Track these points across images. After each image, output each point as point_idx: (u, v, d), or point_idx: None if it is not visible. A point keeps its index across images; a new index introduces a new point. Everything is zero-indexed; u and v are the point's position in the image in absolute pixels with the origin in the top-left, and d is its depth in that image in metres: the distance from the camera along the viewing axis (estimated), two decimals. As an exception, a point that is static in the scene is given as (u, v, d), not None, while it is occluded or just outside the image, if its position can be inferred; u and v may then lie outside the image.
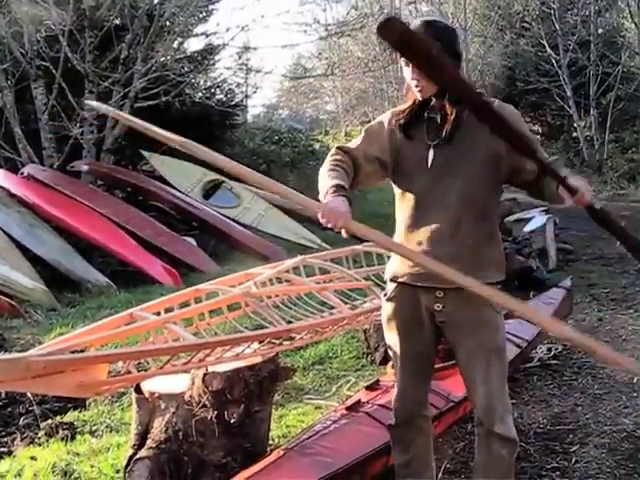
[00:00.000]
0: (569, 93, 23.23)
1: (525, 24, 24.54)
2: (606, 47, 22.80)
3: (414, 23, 3.18)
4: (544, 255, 10.07)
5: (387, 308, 3.43)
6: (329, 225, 2.95)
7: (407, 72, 3.20)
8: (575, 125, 24.38)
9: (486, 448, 3.31)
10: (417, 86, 3.18)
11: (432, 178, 3.22)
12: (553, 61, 23.09)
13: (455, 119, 3.17)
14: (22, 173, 12.18)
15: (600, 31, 23.61)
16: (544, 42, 23.04)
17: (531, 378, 5.77)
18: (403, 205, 3.34)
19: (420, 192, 3.26)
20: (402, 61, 3.20)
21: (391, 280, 3.41)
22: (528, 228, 10.71)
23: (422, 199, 3.25)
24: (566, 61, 22.73)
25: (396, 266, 3.37)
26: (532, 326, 5.83)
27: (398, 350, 3.42)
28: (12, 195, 11.26)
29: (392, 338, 3.45)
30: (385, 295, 3.45)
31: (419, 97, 3.23)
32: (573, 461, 4.37)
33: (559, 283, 7.18)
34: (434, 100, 3.22)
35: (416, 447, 3.53)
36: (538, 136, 27.82)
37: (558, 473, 4.23)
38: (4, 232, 10.13)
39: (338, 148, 3.42)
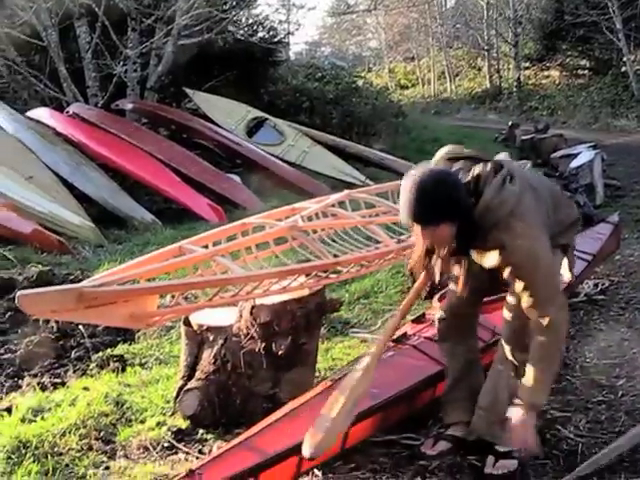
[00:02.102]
0: (619, 26, 22.65)
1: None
2: (658, -23, 22.16)
3: (406, 188, 3.13)
4: (591, 190, 9.96)
5: None
6: None
7: (417, 232, 3.17)
8: (624, 59, 23.81)
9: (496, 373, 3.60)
10: (432, 246, 3.27)
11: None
12: (603, -7, 22.52)
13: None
14: (67, 112, 12.26)
15: (652, -39, 22.92)
16: (593, -27, 22.48)
17: (578, 313, 5.74)
18: None
19: None
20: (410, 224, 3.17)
21: None
22: (575, 163, 10.58)
23: None
24: (616, -8, 22.16)
25: None
26: (579, 261, 5.80)
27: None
28: (58, 134, 11.36)
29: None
30: None
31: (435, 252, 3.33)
32: (619, 395, 4.36)
33: (606, 218, 7.10)
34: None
35: (455, 370, 3.76)
36: (586, 71, 27.30)
37: (604, 406, 4.23)
38: (52, 170, 10.24)
39: None
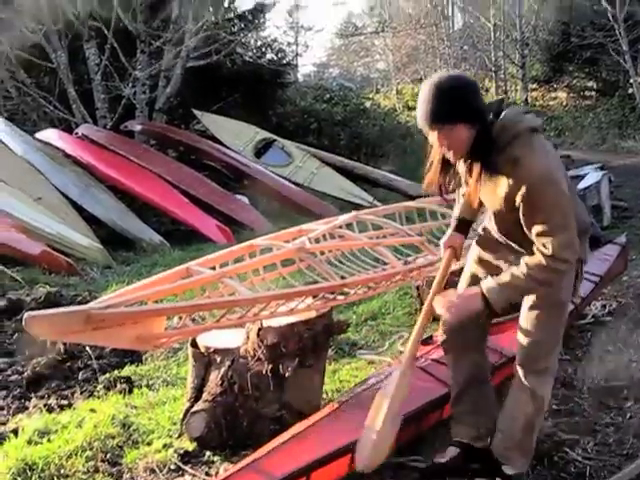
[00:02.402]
0: (625, 47, 22.68)
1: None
2: (665, 0, 22.21)
3: (425, 90, 3.14)
4: (599, 212, 9.94)
5: (473, 246, 3.69)
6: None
7: (432, 137, 3.18)
8: (631, 81, 23.82)
9: (515, 397, 3.45)
10: (449, 151, 3.20)
11: (492, 202, 3.38)
12: (609, 15, 22.51)
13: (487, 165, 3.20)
14: (76, 133, 12.35)
15: (659, -17, 22.98)
16: (600, -5, 22.53)
17: (585, 334, 5.72)
18: None
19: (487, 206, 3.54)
20: (425, 130, 3.17)
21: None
22: (582, 185, 10.56)
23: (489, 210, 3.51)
24: (622, 15, 22.14)
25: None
26: (586, 283, 5.79)
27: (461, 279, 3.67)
28: (67, 155, 11.44)
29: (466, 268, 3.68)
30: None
31: (452, 160, 3.27)
32: (627, 417, 4.34)
33: (614, 240, 7.08)
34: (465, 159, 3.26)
35: (463, 383, 3.71)
36: (593, 92, 27.36)
37: (612, 429, 4.20)
38: (61, 192, 10.29)
39: None
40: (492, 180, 3.19)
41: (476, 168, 3.20)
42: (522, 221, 3.15)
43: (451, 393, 3.81)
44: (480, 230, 3.64)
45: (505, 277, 3.19)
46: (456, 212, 3.69)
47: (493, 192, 3.22)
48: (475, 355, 3.71)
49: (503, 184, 3.12)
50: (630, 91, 24.36)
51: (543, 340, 3.34)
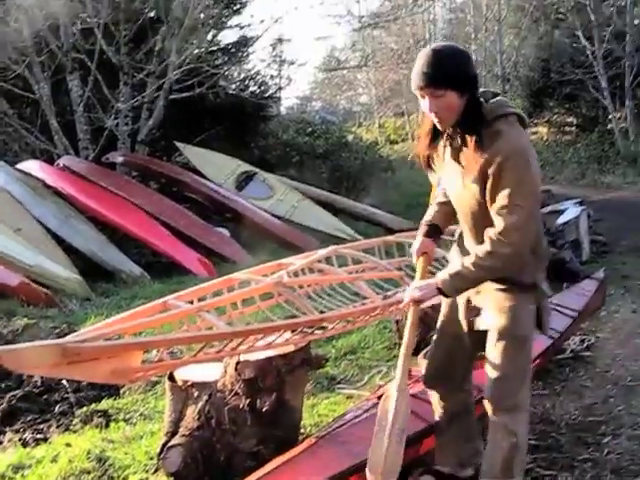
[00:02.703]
0: (604, 84, 22.96)
1: (560, 15, 24.32)
2: (642, 38, 22.51)
3: (422, 54, 3.21)
4: (577, 247, 9.99)
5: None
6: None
7: (424, 103, 3.22)
8: (610, 117, 24.09)
9: (491, 436, 3.42)
10: (437, 118, 3.23)
11: (461, 195, 3.41)
12: (588, 52, 22.83)
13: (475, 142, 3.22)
14: (58, 164, 12.34)
15: (636, 22, 23.23)
16: (579, 33, 22.79)
17: (563, 369, 5.74)
18: None
19: (454, 204, 3.56)
20: (418, 94, 3.22)
21: None
22: (562, 220, 10.62)
23: (457, 209, 3.53)
24: (601, 52, 22.45)
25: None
26: (565, 317, 5.81)
27: (437, 326, 3.70)
28: (48, 186, 11.41)
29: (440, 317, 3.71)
30: None
31: (440, 128, 3.29)
32: (605, 452, 4.34)
33: (592, 275, 7.12)
34: (451, 130, 3.28)
35: (444, 418, 3.74)
36: (573, 127, 27.61)
37: (590, 464, 4.20)
38: (40, 223, 10.26)
39: None
40: (469, 159, 3.24)
41: (458, 140, 3.27)
42: (487, 198, 3.20)
43: (436, 424, 3.81)
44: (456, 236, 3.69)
45: (455, 267, 3.28)
46: (427, 217, 3.74)
47: (468, 172, 3.26)
48: (460, 394, 3.72)
49: (479, 159, 3.17)
50: (609, 127, 24.59)
51: (508, 376, 3.34)
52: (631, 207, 15.99)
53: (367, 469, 3.23)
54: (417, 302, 3.42)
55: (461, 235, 3.60)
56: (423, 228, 3.70)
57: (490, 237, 3.17)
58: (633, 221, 13.42)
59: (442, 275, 3.31)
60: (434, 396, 3.79)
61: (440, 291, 3.31)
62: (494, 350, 3.37)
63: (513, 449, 3.35)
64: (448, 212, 3.63)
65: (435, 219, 3.70)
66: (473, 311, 3.51)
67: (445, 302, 3.63)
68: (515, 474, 3.40)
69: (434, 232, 3.69)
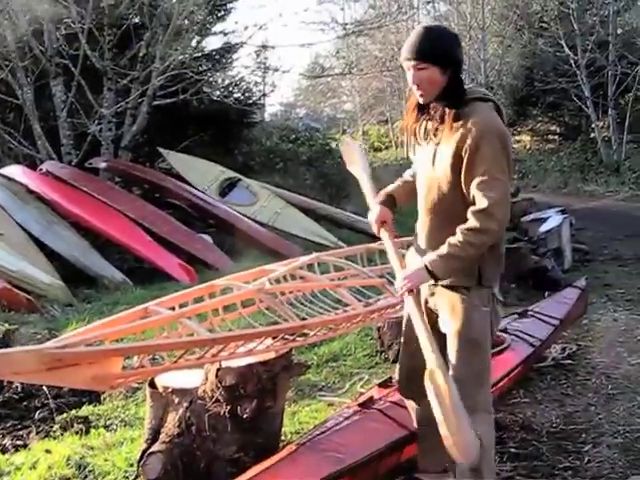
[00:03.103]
0: (587, 93, 23.14)
1: (543, 24, 24.41)
2: (625, 47, 22.65)
3: (415, 29, 3.42)
4: (559, 255, 10.04)
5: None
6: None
7: (409, 76, 3.37)
8: (593, 125, 24.26)
9: None
10: (418, 90, 3.36)
11: (431, 177, 3.46)
12: (571, 61, 23.00)
13: (452, 120, 3.36)
14: (41, 169, 12.27)
15: (619, 31, 23.46)
16: (562, 42, 22.95)
17: (545, 377, 5.76)
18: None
19: (421, 191, 3.56)
20: (404, 64, 3.37)
21: None
22: (544, 228, 10.68)
23: (421, 197, 3.55)
24: (584, 61, 22.63)
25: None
26: (546, 326, 5.84)
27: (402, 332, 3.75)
28: (31, 191, 11.35)
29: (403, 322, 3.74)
30: None
31: (420, 101, 3.42)
32: (586, 461, 4.36)
33: (574, 283, 7.16)
34: (433, 104, 3.41)
35: (423, 423, 3.74)
36: (556, 136, 27.77)
37: (570, 472, 4.22)
38: (22, 228, 10.21)
39: None
40: (446, 134, 3.35)
41: (437, 117, 3.40)
42: (463, 174, 3.30)
43: (417, 431, 3.84)
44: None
45: (444, 249, 3.29)
46: (389, 189, 3.88)
47: (442, 149, 3.37)
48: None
49: (455, 133, 3.31)
50: (592, 135, 24.77)
51: (463, 379, 3.34)
52: (613, 216, 16.11)
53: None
54: (411, 291, 3.41)
55: (417, 236, 3.65)
56: (380, 197, 3.84)
57: (475, 213, 3.24)
58: (615, 230, 13.51)
59: (430, 257, 3.34)
60: (410, 404, 3.83)
61: (431, 274, 3.32)
62: (450, 353, 3.42)
63: (480, 453, 3.33)
64: (408, 190, 3.77)
65: (394, 192, 3.84)
66: (433, 313, 3.54)
67: (407, 308, 3.60)
68: (485, 475, 3.41)
69: (391, 203, 3.82)
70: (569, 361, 6.11)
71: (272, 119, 29.74)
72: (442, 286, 3.43)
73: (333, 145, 20.10)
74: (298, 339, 4.12)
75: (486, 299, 3.45)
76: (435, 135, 3.41)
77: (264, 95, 20.13)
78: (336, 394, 5.43)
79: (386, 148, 39.58)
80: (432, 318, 3.53)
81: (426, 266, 3.32)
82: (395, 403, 4.26)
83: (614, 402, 5.27)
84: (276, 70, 18.24)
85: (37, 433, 4.82)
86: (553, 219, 11.08)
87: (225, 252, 11.37)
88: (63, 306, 8.72)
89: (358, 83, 39.19)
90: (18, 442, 4.68)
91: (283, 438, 4.39)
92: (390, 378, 4.70)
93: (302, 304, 4.52)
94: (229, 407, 3.85)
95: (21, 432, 4.88)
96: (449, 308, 3.44)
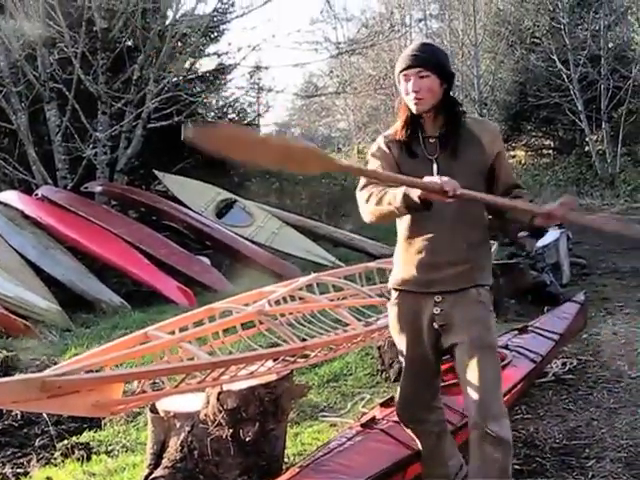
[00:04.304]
0: (580, 107, 23.20)
1: (535, 39, 24.51)
2: (616, 61, 22.75)
3: (413, 44, 3.50)
4: (557, 269, 10.02)
5: (391, 314, 3.62)
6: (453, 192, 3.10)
7: (405, 86, 3.40)
8: (587, 139, 24.32)
9: (480, 452, 3.33)
10: (417, 98, 3.36)
11: None
12: (564, 76, 23.07)
13: (454, 133, 3.40)
14: (36, 194, 12.26)
15: (610, 45, 23.54)
16: (554, 57, 23.02)
17: (546, 393, 5.74)
18: (404, 217, 3.45)
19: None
20: (401, 76, 3.41)
21: (394, 289, 3.59)
22: (541, 243, 10.66)
23: (433, 212, 3.28)
24: (577, 76, 22.71)
25: (398, 274, 3.57)
26: (546, 341, 5.82)
27: (403, 354, 3.62)
28: (26, 217, 11.34)
29: (398, 343, 3.65)
30: (389, 302, 3.66)
31: (414, 110, 3.40)
32: (590, 476, 4.34)
33: (573, 297, 7.15)
34: (426, 115, 3.41)
35: (426, 446, 3.71)
36: (550, 150, 27.84)
37: (575, 488, 4.21)
38: (19, 253, 10.19)
39: (363, 187, 3.44)
40: (456, 156, 3.39)
41: (437, 127, 3.45)
42: (497, 173, 3.46)
43: (421, 451, 3.78)
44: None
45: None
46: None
47: (454, 159, 3.39)
48: (432, 416, 3.70)
49: (474, 146, 3.42)
50: (586, 149, 24.83)
51: (489, 385, 3.32)
52: (609, 229, 16.07)
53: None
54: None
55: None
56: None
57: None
58: (612, 243, 13.50)
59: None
60: (411, 430, 3.75)
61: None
62: (470, 361, 3.35)
63: (507, 456, 3.33)
64: None
65: None
66: (436, 331, 3.45)
67: (405, 331, 3.56)
68: (510, 474, 3.40)
69: None
70: (570, 376, 6.09)
71: (267, 139, 29.72)
72: (459, 290, 3.39)
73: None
74: (299, 360, 4.11)
75: (491, 301, 3.49)
76: (431, 149, 3.41)
77: (259, 115, 20.15)
78: (338, 414, 5.41)
79: (381, 166, 39.59)
80: (433, 338, 3.47)
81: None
82: (397, 422, 4.24)
83: (616, 416, 5.25)
84: (270, 90, 18.30)
85: (38, 460, 4.79)
86: (551, 234, 11.06)
87: (223, 274, 11.34)
88: (61, 331, 8.69)
89: (352, 102, 39.25)
90: (19, 470, 4.66)
91: (286, 460, 4.37)
92: (392, 397, 4.67)
93: (302, 325, 4.52)
94: (231, 430, 3.83)
95: (21, 460, 4.85)
96: (466, 317, 3.38)
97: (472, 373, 3.34)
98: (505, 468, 3.33)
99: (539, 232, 10.98)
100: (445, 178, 3.06)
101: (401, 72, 3.41)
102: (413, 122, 3.45)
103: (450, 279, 3.39)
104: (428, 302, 3.44)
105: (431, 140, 3.42)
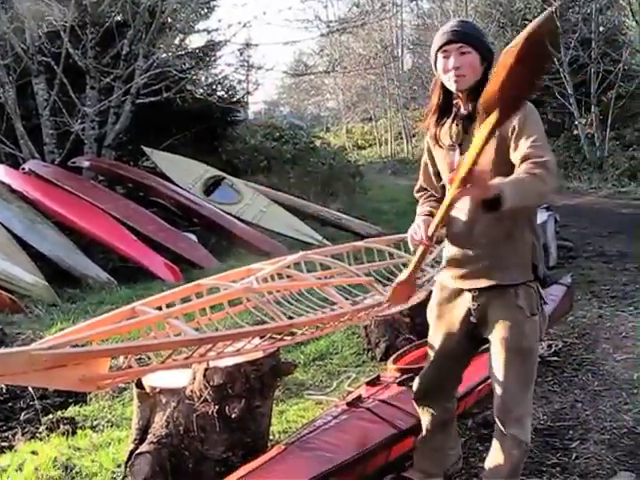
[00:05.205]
0: (570, 91, 23.24)
1: (526, 22, 24.36)
2: (607, 45, 22.79)
3: (450, 21, 3.33)
4: (545, 252, 10.00)
5: (433, 297, 3.64)
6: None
7: (444, 63, 3.25)
8: (576, 123, 24.37)
9: (498, 445, 3.35)
10: (457, 75, 3.22)
11: None
12: (554, 59, 23.06)
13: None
14: (23, 169, 12.20)
15: (601, 29, 23.57)
16: (545, 39, 23.00)
17: (531, 375, 5.76)
18: None
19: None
20: (439, 53, 3.26)
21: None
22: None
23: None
24: (567, 59, 22.71)
25: (444, 261, 3.57)
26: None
27: (435, 338, 3.61)
28: (13, 191, 11.28)
29: (432, 327, 3.64)
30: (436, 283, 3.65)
31: (454, 88, 3.27)
32: (573, 457, 4.37)
33: (559, 280, 7.16)
34: (462, 94, 3.28)
35: (430, 429, 3.73)
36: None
37: (558, 469, 4.22)
38: (5, 228, 10.14)
39: (417, 191, 3.66)
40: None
41: (467, 111, 3.28)
42: (512, 149, 3.09)
43: (423, 432, 3.78)
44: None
45: (514, 178, 2.96)
46: (427, 207, 3.54)
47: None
48: (448, 404, 3.73)
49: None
50: (575, 133, 24.88)
51: (513, 389, 3.29)
52: (596, 212, 16.18)
53: None
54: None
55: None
56: (424, 217, 3.42)
57: (535, 162, 2.97)
58: (599, 226, 13.57)
59: (503, 181, 2.91)
60: (421, 407, 3.76)
61: (497, 199, 2.82)
62: (498, 361, 3.32)
63: (522, 456, 3.35)
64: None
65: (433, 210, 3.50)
66: (473, 324, 3.42)
67: (442, 318, 3.55)
68: (519, 474, 3.42)
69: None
70: (555, 358, 6.11)
71: (256, 117, 29.74)
72: (490, 288, 3.32)
73: (317, 143, 20.10)
74: (286, 338, 4.10)
75: (536, 303, 3.35)
76: (459, 136, 3.30)
77: (248, 93, 20.11)
78: (324, 392, 5.43)
79: (370, 146, 39.65)
80: (468, 330, 3.46)
81: (498, 186, 2.86)
82: (383, 401, 4.26)
83: (601, 398, 5.28)
84: (259, 68, 18.24)
85: (23, 434, 4.78)
86: (538, 216, 11.08)
87: (210, 251, 11.34)
88: (47, 306, 8.66)
89: (342, 81, 39.22)
90: (3, 444, 4.65)
91: (271, 437, 4.38)
92: (378, 376, 4.70)
93: (289, 303, 4.51)
94: (217, 407, 3.83)
95: (6, 434, 4.85)
96: (499, 317, 3.31)
97: (498, 374, 3.32)
98: (517, 466, 3.35)
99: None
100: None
101: (440, 49, 3.25)
102: (446, 103, 3.37)
103: (473, 276, 3.36)
104: (466, 295, 3.42)
105: (458, 124, 3.32)
